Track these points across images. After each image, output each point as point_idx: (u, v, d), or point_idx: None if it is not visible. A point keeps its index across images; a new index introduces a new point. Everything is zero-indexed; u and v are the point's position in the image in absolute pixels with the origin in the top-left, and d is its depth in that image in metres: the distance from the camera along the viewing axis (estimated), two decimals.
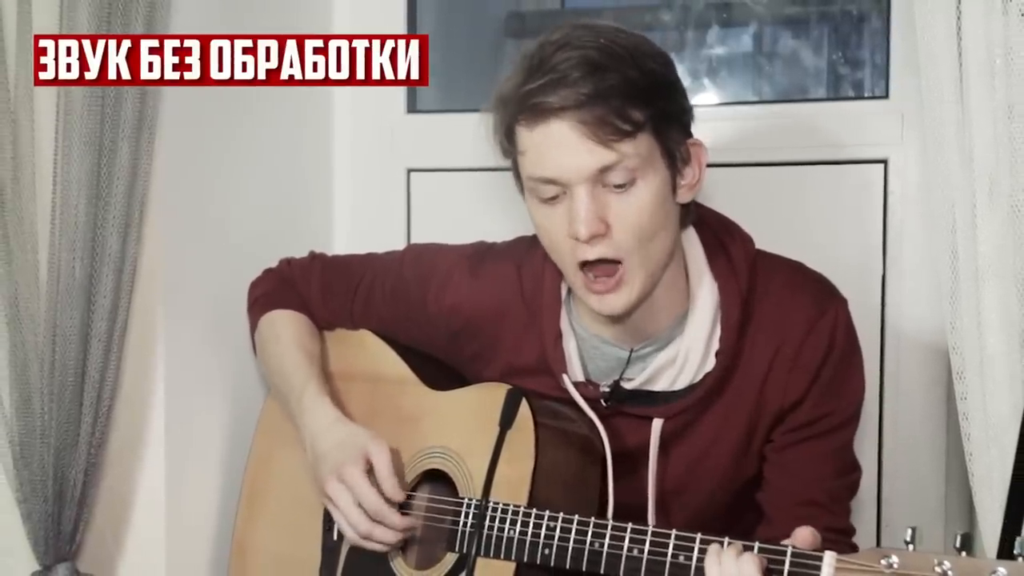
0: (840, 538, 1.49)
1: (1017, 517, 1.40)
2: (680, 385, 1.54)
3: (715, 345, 1.53)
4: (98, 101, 1.64)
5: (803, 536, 1.31)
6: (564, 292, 1.60)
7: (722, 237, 1.57)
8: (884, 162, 1.92)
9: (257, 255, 1.88)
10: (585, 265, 1.45)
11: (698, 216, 1.58)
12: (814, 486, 1.52)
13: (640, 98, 1.39)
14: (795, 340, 1.52)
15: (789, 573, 1.28)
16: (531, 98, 1.39)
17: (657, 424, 1.54)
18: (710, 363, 1.53)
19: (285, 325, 1.77)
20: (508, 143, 1.47)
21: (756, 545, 1.31)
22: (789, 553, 1.29)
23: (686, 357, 1.53)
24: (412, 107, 2.20)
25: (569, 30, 1.43)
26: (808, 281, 1.57)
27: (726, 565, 1.30)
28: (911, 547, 1.23)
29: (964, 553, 1.20)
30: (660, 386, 1.55)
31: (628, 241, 1.42)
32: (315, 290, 1.78)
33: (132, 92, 1.66)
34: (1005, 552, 1.36)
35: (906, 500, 1.92)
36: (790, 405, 1.53)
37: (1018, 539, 1.20)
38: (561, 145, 1.39)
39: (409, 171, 2.18)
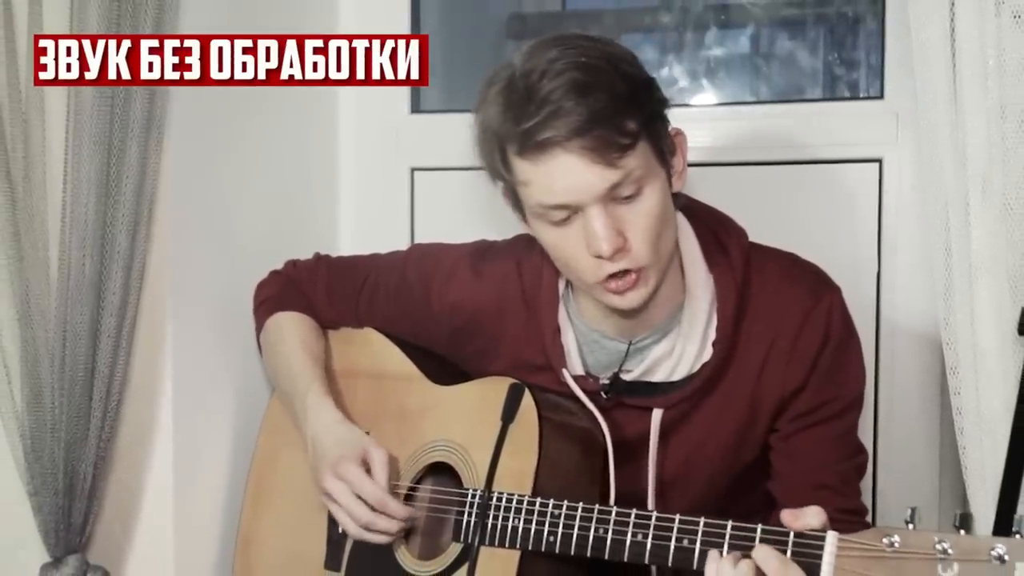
0: (854, 519, 1.51)
1: (1010, 510, 1.42)
2: (678, 376, 1.56)
3: (712, 336, 1.55)
4: (107, 101, 1.64)
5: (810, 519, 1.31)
6: (562, 287, 1.62)
7: (716, 230, 1.59)
8: (879, 161, 1.93)
9: (263, 252, 1.90)
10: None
11: (691, 210, 1.60)
12: (824, 470, 1.53)
13: (631, 105, 1.41)
14: (791, 330, 1.54)
15: (793, 554, 1.29)
16: (532, 136, 1.39)
17: (657, 414, 1.56)
18: (707, 353, 1.55)
19: (290, 327, 1.78)
20: (506, 173, 1.47)
21: (759, 528, 1.32)
22: (792, 535, 1.30)
23: (683, 348, 1.55)
24: (416, 107, 2.21)
25: (541, 55, 1.42)
26: (802, 272, 1.59)
27: (723, 572, 1.32)
28: (911, 526, 1.24)
29: (963, 532, 1.21)
30: (658, 377, 1.57)
31: (645, 247, 1.44)
32: (320, 291, 1.80)
33: (141, 92, 1.66)
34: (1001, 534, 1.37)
35: (901, 493, 1.93)
36: (790, 394, 1.55)
37: (1016, 516, 1.21)
38: (569, 173, 1.40)
39: (413, 170, 2.19)
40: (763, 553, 1.30)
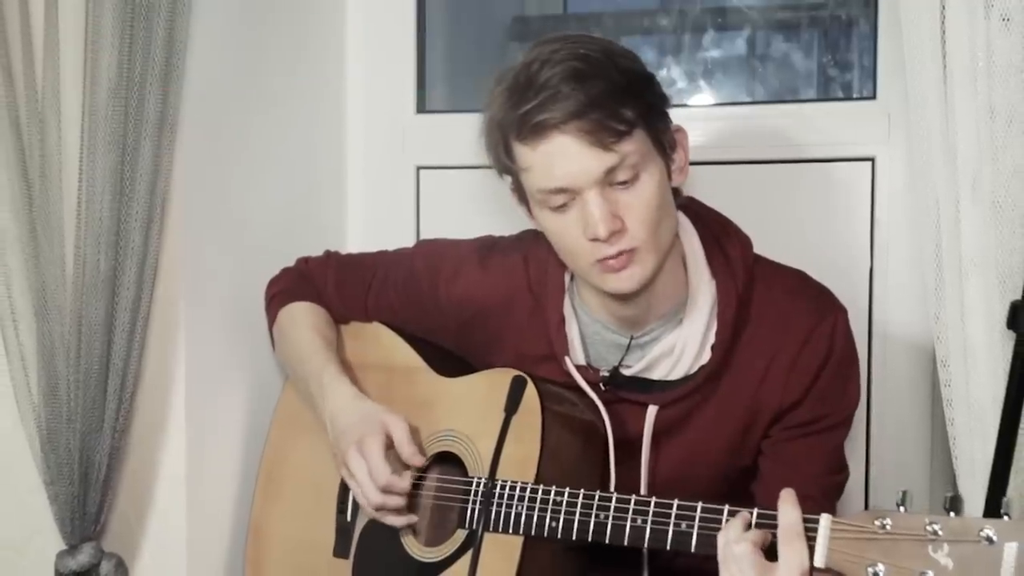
0: None
1: (998, 498, 1.43)
2: (676, 375, 1.59)
3: (711, 339, 1.58)
4: (121, 102, 1.68)
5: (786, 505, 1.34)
6: (567, 279, 1.65)
7: (719, 236, 1.62)
8: (871, 160, 1.96)
9: (273, 248, 1.93)
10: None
11: (697, 214, 1.63)
12: (808, 480, 1.55)
13: (628, 96, 1.45)
14: (794, 344, 1.56)
15: None
16: (531, 118, 1.43)
17: (652, 411, 1.59)
18: (705, 356, 1.58)
19: (303, 315, 1.81)
20: (509, 161, 1.51)
21: (755, 512, 1.36)
22: None
23: (683, 348, 1.58)
24: (421, 107, 2.24)
25: (543, 47, 1.47)
26: (810, 289, 1.62)
27: (730, 535, 1.34)
28: (902, 509, 1.27)
29: (953, 514, 1.24)
30: (657, 374, 1.60)
31: (642, 231, 1.47)
32: (331, 286, 1.83)
33: (154, 93, 1.69)
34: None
35: (893, 483, 1.95)
36: (789, 405, 1.58)
37: (1004, 499, 1.23)
38: (566, 155, 1.44)
39: (418, 168, 2.22)
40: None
